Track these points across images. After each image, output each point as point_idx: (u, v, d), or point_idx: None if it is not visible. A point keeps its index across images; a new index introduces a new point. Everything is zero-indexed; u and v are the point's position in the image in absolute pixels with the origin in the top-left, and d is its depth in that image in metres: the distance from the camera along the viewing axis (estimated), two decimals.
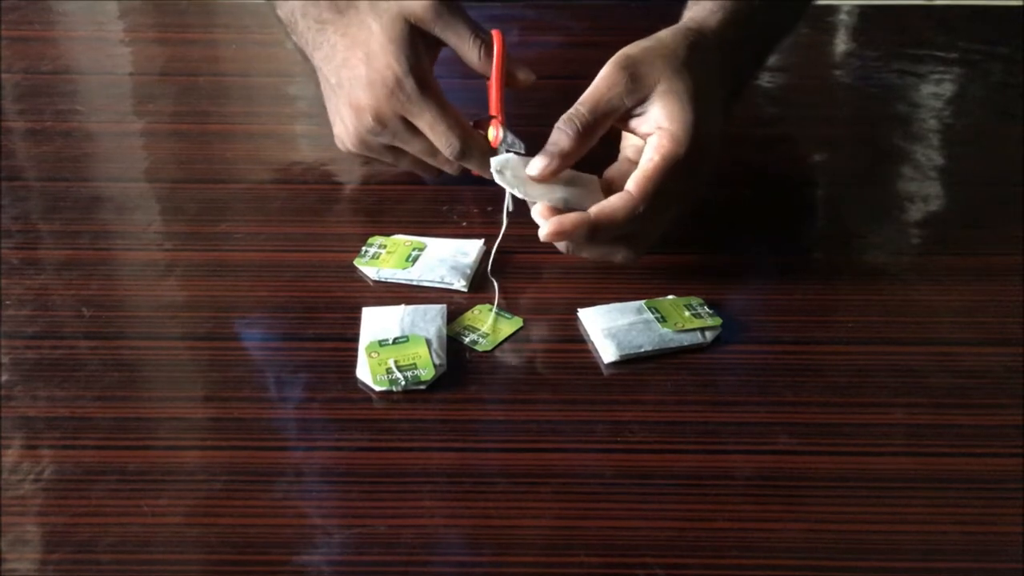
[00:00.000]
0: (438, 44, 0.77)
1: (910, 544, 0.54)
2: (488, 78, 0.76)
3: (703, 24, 0.73)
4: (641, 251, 0.70)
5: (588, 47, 1.05)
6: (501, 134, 0.74)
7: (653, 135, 0.68)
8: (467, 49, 0.76)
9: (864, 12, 1.16)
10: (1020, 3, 1.14)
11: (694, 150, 0.67)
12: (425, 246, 0.74)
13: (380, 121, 0.74)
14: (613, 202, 0.66)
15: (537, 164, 0.68)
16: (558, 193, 0.68)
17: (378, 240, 0.75)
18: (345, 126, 0.77)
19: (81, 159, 0.87)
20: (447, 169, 0.79)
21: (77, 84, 1.01)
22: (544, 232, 0.66)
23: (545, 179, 0.68)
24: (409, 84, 0.72)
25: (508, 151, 0.73)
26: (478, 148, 0.75)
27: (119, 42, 1.09)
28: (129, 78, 1.01)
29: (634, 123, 0.69)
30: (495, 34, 0.76)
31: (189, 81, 0.99)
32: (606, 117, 0.68)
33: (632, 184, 0.67)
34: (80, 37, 1.12)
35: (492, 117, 0.75)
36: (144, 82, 1.01)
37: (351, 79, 0.74)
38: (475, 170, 0.76)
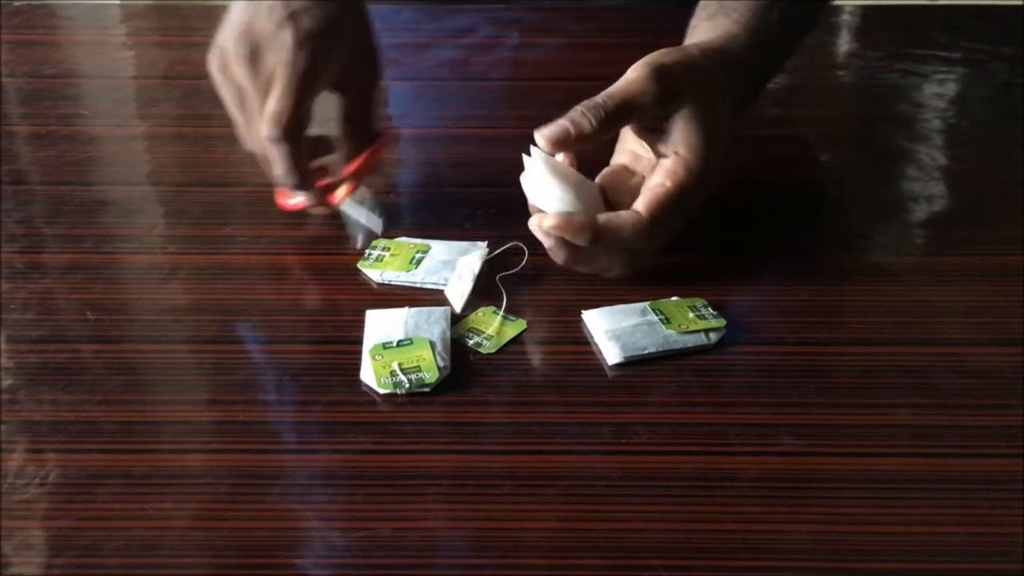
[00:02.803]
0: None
1: (916, 545, 0.54)
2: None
3: (728, 46, 0.73)
4: (633, 269, 0.71)
5: (590, 49, 1.05)
6: (350, 198, 0.74)
7: (669, 158, 0.68)
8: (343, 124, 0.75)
9: (867, 12, 1.16)
10: (1022, 3, 1.13)
11: (704, 181, 0.68)
12: (429, 248, 0.74)
13: (243, 33, 0.70)
14: (623, 217, 0.67)
15: (549, 129, 0.67)
16: (557, 193, 0.67)
17: (382, 243, 0.75)
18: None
19: (84, 163, 0.87)
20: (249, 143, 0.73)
21: (80, 88, 1.01)
22: (549, 223, 0.66)
23: (551, 145, 0.67)
24: (306, 22, 0.69)
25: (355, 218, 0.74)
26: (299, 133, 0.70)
27: (122, 46, 1.09)
28: (132, 82, 1.02)
29: (650, 135, 0.69)
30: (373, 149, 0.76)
31: (192, 85, 0.99)
32: (627, 118, 0.68)
33: (643, 205, 0.67)
34: (83, 41, 1.12)
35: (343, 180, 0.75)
36: (147, 86, 1.01)
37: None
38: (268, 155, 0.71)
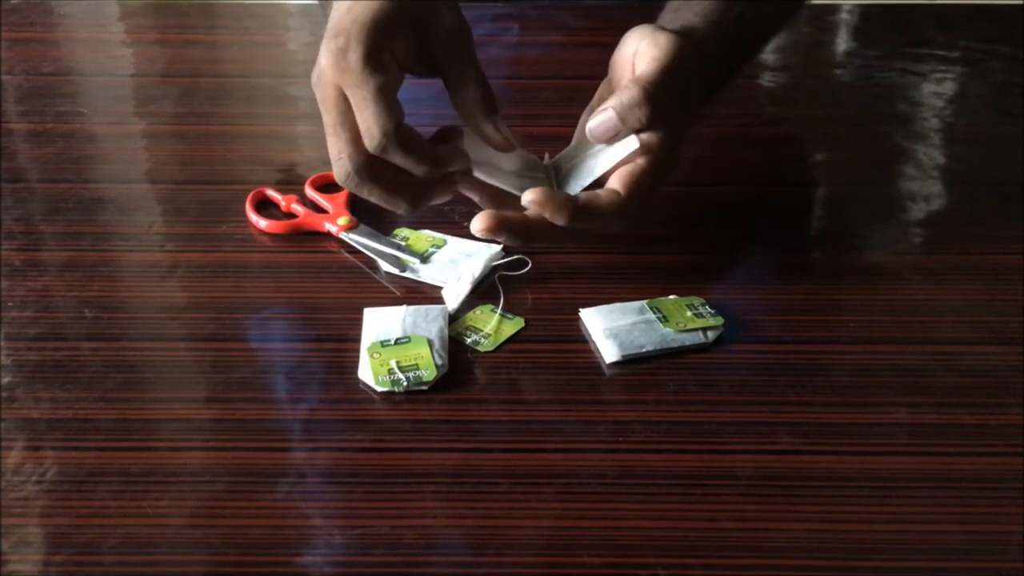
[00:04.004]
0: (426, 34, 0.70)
1: (913, 544, 0.54)
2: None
3: (690, 31, 0.73)
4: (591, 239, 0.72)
5: (590, 47, 1.05)
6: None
7: (644, 135, 0.69)
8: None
9: (865, 11, 1.16)
10: (1021, 2, 1.13)
11: (671, 160, 0.69)
12: (445, 243, 0.74)
13: (318, 79, 0.67)
14: (602, 196, 0.67)
15: (600, 128, 0.69)
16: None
17: (403, 232, 0.75)
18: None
19: (83, 161, 0.87)
20: (338, 171, 0.68)
21: (79, 86, 1.01)
22: (527, 198, 0.66)
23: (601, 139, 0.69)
24: (354, 56, 0.65)
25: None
26: (404, 146, 0.66)
27: (120, 44, 1.09)
28: (131, 80, 1.02)
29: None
30: None
31: (190, 82, 0.99)
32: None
33: (620, 186, 0.68)
34: (82, 39, 1.12)
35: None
36: (146, 84, 1.01)
37: (332, 20, 0.68)
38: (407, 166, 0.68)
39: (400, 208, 0.69)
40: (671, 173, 0.70)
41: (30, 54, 1.04)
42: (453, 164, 0.69)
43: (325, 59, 0.66)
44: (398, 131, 0.65)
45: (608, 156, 0.69)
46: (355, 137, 0.66)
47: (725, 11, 0.75)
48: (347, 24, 0.65)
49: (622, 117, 0.68)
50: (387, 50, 0.66)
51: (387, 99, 0.65)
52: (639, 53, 0.70)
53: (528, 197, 0.66)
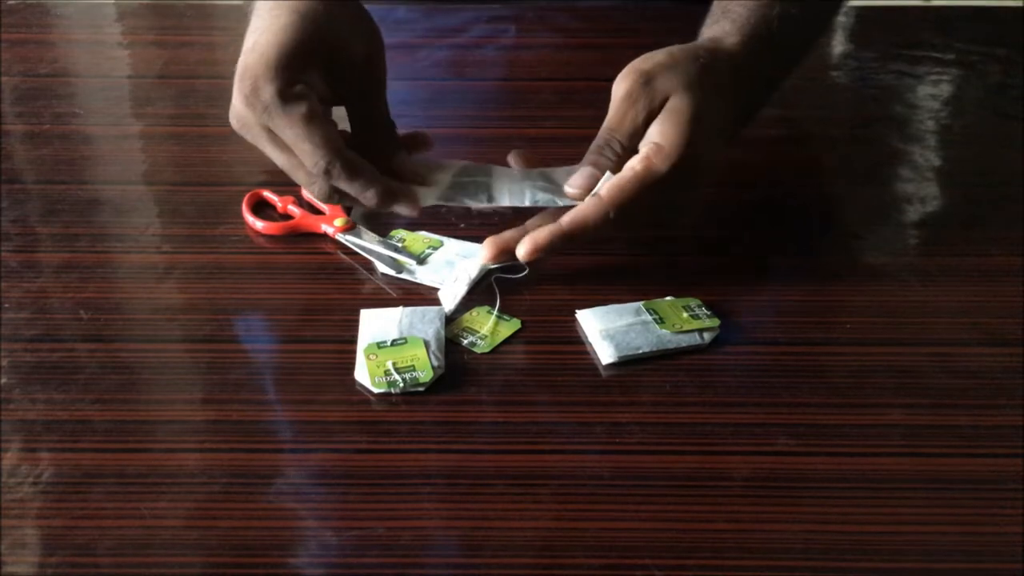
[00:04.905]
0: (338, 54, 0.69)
1: (909, 545, 0.54)
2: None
3: (718, 45, 0.73)
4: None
5: (585, 49, 1.05)
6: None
7: (644, 147, 0.68)
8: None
9: (862, 13, 1.16)
10: (1019, 4, 1.14)
11: (679, 169, 0.67)
12: (442, 243, 0.74)
13: (242, 124, 0.67)
14: (584, 210, 0.67)
15: (578, 180, 0.69)
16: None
17: (399, 233, 0.75)
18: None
19: (79, 162, 0.87)
20: (314, 192, 0.70)
21: (75, 87, 1.01)
22: (521, 253, 0.67)
23: (585, 192, 0.68)
24: (266, 95, 0.65)
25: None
26: (350, 174, 0.67)
27: (117, 45, 1.09)
28: (127, 81, 1.01)
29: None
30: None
31: (187, 84, 0.99)
32: (637, 136, 0.69)
33: (604, 190, 0.68)
34: (78, 40, 1.12)
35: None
36: (142, 85, 1.01)
37: (240, 62, 0.68)
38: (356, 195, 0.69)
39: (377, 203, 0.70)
40: (685, 188, 0.69)
41: (27, 55, 1.04)
42: (400, 198, 0.70)
43: (239, 102, 0.66)
44: (340, 161, 0.66)
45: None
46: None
47: (763, 14, 0.74)
48: (253, 63, 0.65)
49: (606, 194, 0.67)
50: (300, 82, 0.65)
51: (317, 128, 0.65)
52: (662, 117, 0.68)
53: (522, 251, 0.67)
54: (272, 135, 0.66)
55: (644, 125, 0.69)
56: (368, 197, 0.68)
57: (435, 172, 0.71)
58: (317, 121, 0.65)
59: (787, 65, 0.81)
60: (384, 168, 0.70)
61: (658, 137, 0.68)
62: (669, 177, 0.67)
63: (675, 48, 0.71)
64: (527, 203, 0.70)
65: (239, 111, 0.66)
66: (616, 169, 0.68)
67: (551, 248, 0.67)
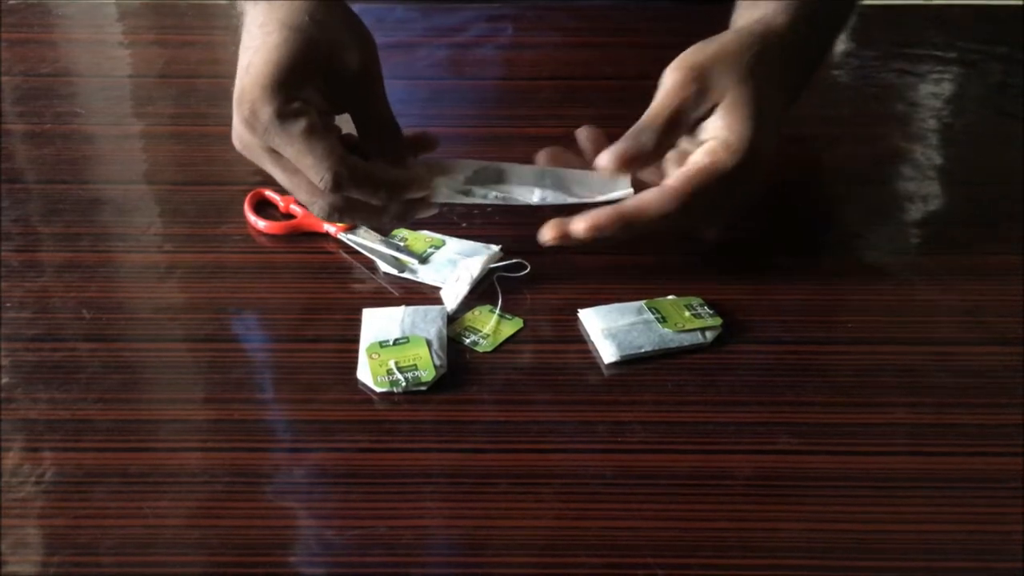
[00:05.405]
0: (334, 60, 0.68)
1: (911, 544, 0.54)
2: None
3: (768, 28, 0.71)
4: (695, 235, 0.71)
5: (585, 48, 1.05)
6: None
7: (709, 141, 0.68)
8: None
9: (862, 12, 1.16)
10: (1019, 2, 1.14)
11: (746, 164, 0.67)
12: (444, 243, 0.74)
13: (244, 146, 0.67)
14: (647, 198, 0.67)
15: (617, 148, 0.67)
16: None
17: (401, 233, 0.75)
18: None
19: (80, 161, 0.87)
20: (315, 211, 0.69)
21: (76, 86, 1.01)
22: (580, 228, 0.66)
23: (622, 163, 0.67)
24: (265, 117, 0.64)
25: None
26: (356, 181, 0.66)
27: (118, 44, 1.09)
28: (128, 80, 1.01)
29: (694, 130, 0.69)
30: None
31: (188, 83, 0.98)
32: (679, 129, 0.68)
33: (672, 180, 0.67)
34: (79, 40, 1.12)
35: None
36: (143, 84, 1.00)
37: (236, 84, 0.67)
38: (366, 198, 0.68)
39: (388, 225, 0.71)
40: (754, 178, 0.69)
41: (28, 55, 1.04)
42: (412, 190, 0.69)
43: (239, 125, 0.66)
44: (345, 169, 0.65)
45: (599, 190, 0.70)
46: (313, 183, 0.66)
47: (803, 6, 0.73)
48: (248, 86, 0.65)
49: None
50: (297, 99, 0.65)
51: (319, 142, 0.65)
52: (724, 111, 0.68)
53: (580, 227, 0.66)
54: (275, 155, 0.66)
55: (693, 118, 0.68)
56: (380, 198, 0.68)
57: (446, 171, 0.71)
58: (317, 135, 0.65)
59: (827, 44, 0.79)
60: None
61: (723, 131, 0.67)
62: (736, 172, 0.67)
63: (727, 37, 0.70)
64: (535, 201, 0.70)
65: (240, 134, 0.66)
66: (650, 158, 0.68)
67: (609, 229, 0.66)
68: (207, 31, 1.12)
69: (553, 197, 0.70)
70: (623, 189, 0.69)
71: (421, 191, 0.69)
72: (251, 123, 0.64)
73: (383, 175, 0.68)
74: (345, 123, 0.71)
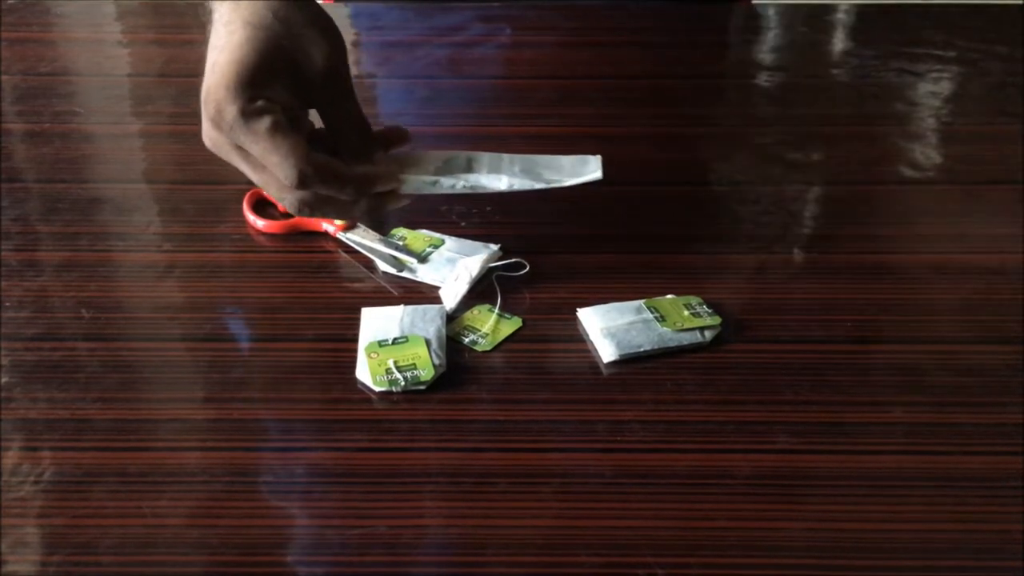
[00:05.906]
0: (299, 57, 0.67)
1: (910, 542, 0.54)
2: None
3: None
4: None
5: (583, 48, 1.05)
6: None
7: None
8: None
9: (862, 11, 1.16)
10: (1018, 1, 1.14)
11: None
12: (443, 242, 0.74)
13: (214, 145, 0.67)
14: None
15: None
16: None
17: (400, 232, 0.75)
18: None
19: (80, 160, 0.87)
20: (286, 205, 0.69)
21: (75, 86, 1.01)
22: None
23: None
24: (230, 116, 0.64)
25: None
26: (322, 177, 0.66)
27: (117, 44, 1.09)
28: (127, 79, 1.01)
29: None
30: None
31: (187, 82, 0.98)
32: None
33: None
34: (78, 39, 1.12)
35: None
36: (142, 83, 1.00)
37: (203, 84, 0.66)
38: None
39: (362, 220, 0.72)
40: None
41: (27, 54, 1.04)
42: (380, 185, 0.69)
43: (207, 125, 0.66)
44: (310, 167, 0.65)
45: (569, 173, 0.70)
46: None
47: None
48: (213, 85, 0.65)
49: None
50: (261, 97, 0.65)
51: (284, 140, 0.65)
52: None
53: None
54: (243, 152, 0.66)
55: None
56: (347, 194, 0.68)
57: (414, 163, 0.71)
58: (282, 133, 0.65)
59: None
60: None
61: None
62: None
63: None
64: (503, 188, 0.70)
65: (208, 133, 0.66)
66: None
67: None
68: (205, 30, 1.12)
69: (521, 183, 0.70)
70: (593, 172, 0.69)
71: (389, 185, 0.69)
72: (217, 122, 0.65)
73: (349, 171, 0.68)
74: (317, 120, 0.71)
